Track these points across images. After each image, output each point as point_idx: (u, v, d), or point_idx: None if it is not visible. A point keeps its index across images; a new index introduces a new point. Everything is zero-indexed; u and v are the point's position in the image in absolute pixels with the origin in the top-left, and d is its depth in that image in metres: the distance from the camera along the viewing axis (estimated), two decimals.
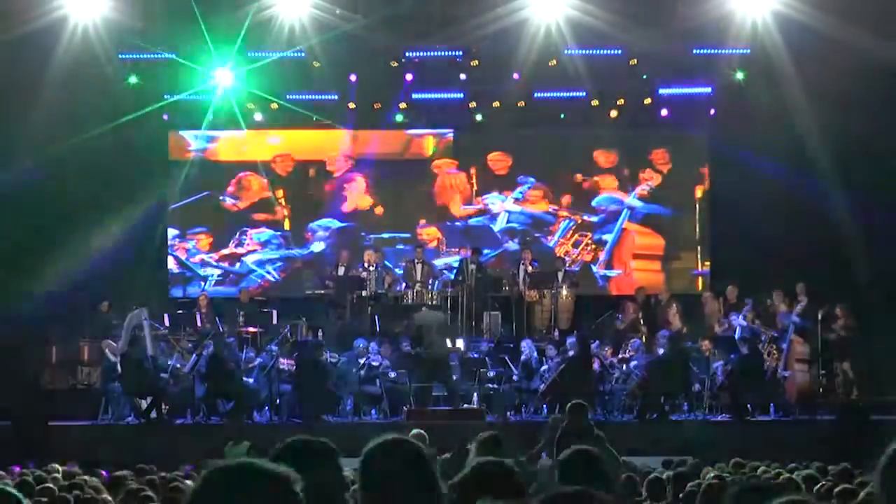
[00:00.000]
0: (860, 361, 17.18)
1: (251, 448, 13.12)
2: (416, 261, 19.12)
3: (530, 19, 18.10)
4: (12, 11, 17.17)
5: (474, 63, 19.03)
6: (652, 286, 19.77)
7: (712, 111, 19.90)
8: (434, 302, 18.34)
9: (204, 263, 20.90)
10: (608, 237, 20.96)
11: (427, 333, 16.18)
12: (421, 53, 19.09)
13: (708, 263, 20.79)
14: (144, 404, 16.06)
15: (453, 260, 19.97)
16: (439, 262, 20.05)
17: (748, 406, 16.27)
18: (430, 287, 18.71)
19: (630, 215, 20.99)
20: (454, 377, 16.35)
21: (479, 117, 20.27)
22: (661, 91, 19.47)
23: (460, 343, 17.04)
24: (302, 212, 21.11)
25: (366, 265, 18.92)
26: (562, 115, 20.12)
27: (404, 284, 19.01)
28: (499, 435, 7.13)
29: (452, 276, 19.06)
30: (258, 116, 19.94)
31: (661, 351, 16.52)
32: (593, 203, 20.93)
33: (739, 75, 18.91)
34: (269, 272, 20.93)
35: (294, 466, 3.03)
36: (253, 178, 21.02)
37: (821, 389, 17.12)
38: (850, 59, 17.23)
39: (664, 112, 19.91)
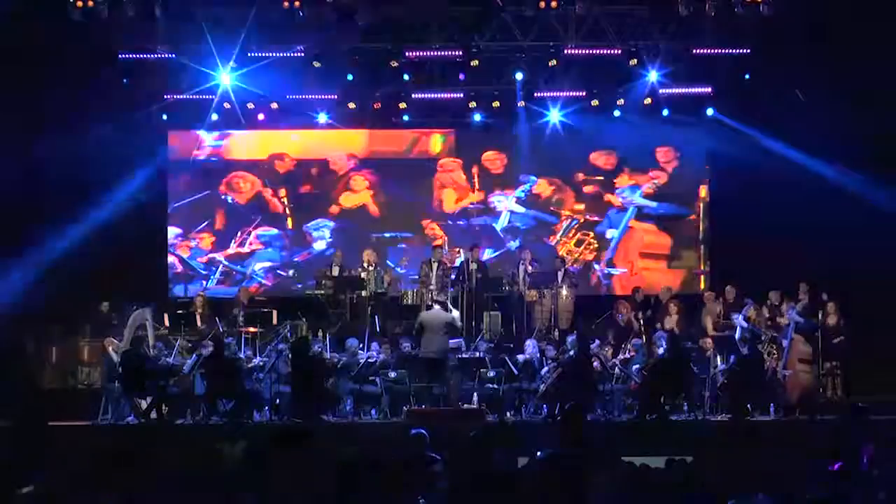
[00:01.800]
0: (858, 361, 17.21)
1: (248, 447, 13.11)
2: (432, 260, 19.00)
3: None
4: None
5: (474, 63, 19.02)
6: (658, 285, 19.81)
7: (712, 111, 19.89)
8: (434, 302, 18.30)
9: (211, 263, 20.94)
10: (613, 232, 21.02)
11: (427, 332, 16.13)
12: (421, 53, 19.08)
13: (708, 262, 20.85)
14: (144, 404, 16.06)
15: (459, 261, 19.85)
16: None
17: (748, 406, 16.26)
18: (447, 289, 18.57)
19: (637, 213, 21.05)
20: (452, 377, 16.30)
21: (477, 117, 20.28)
22: (662, 91, 19.45)
23: (461, 343, 17.01)
24: (304, 211, 21.15)
25: (365, 265, 18.88)
26: (561, 115, 20.12)
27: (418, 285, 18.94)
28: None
29: (453, 276, 18.95)
30: (260, 116, 19.96)
31: (660, 351, 16.50)
32: (617, 191, 20.98)
33: (746, 76, 18.90)
34: (268, 273, 20.99)
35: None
36: (245, 177, 21.05)
37: (821, 389, 17.14)
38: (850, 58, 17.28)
39: (664, 112, 19.90)
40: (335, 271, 18.99)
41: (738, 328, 16.95)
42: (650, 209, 21.14)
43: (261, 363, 16.58)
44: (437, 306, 16.66)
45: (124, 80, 18.92)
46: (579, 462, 4.85)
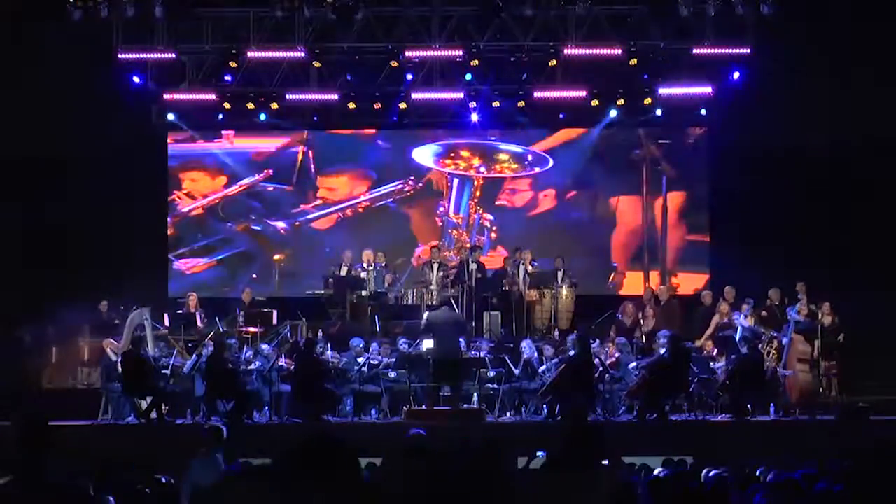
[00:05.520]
0: (858, 361, 17.22)
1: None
2: (433, 261, 18.90)
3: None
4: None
5: (474, 63, 19.00)
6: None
7: (707, 111, 19.88)
8: (434, 302, 18.27)
9: None
10: None
11: (439, 333, 15.99)
12: (421, 53, 19.07)
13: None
14: (144, 404, 16.05)
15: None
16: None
17: (748, 406, 16.25)
18: (447, 289, 18.50)
19: None
20: (460, 378, 16.21)
21: (476, 117, 20.28)
22: (661, 91, 19.43)
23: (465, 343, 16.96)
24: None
25: (365, 265, 18.85)
26: (561, 115, 20.12)
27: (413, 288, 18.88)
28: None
29: (452, 277, 18.91)
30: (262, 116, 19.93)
31: (661, 351, 16.48)
32: None
33: (737, 75, 18.89)
34: None
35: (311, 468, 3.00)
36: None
37: (821, 389, 17.14)
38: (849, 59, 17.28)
39: (660, 112, 19.87)
40: (343, 271, 18.96)
41: (739, 328, 16.94)
42: None
43: (259, 366, 16.52)
44: (444, 305, 16.60)
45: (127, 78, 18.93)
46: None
